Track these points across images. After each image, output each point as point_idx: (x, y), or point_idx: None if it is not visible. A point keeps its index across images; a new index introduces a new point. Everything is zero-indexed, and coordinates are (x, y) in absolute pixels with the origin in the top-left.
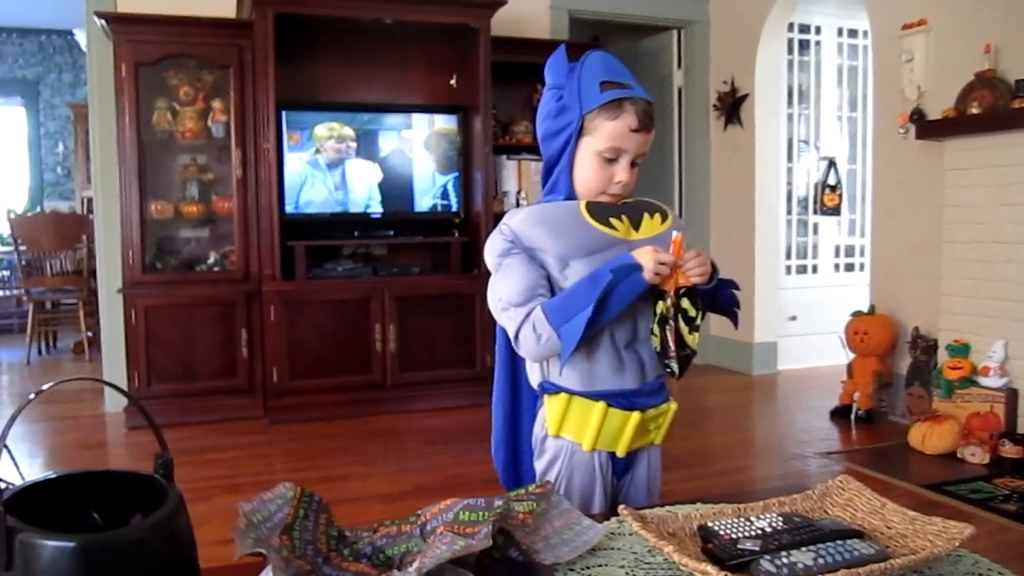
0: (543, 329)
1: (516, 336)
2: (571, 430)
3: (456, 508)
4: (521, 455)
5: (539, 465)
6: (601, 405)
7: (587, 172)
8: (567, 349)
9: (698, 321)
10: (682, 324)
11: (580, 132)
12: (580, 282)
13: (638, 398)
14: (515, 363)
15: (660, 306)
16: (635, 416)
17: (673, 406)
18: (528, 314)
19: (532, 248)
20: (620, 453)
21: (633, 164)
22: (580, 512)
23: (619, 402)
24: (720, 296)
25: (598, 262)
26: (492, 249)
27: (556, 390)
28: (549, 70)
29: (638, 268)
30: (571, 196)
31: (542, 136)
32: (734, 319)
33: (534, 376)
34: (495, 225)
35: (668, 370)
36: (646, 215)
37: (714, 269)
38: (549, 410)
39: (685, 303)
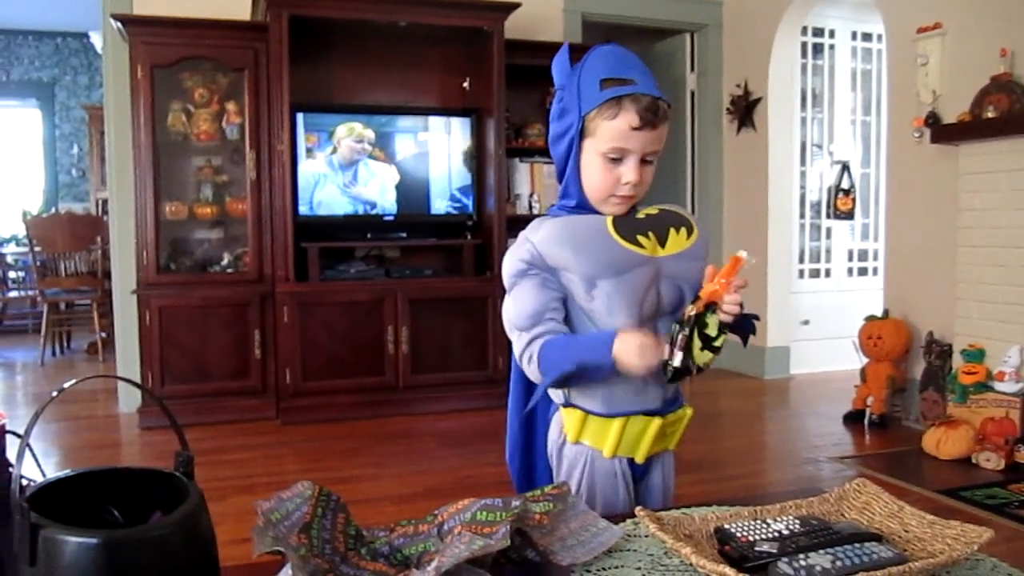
0: (535, 367)
1: (519, 358)
2: (590, 437)
3: (473, 508)
4: (536, 461)
5: (558, 472)
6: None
7: (593, 175)
8: (534, 398)
9: (716, 343)
10: (695, 336)
11: (583, 134)
12: (572, 342)
13: (658, 408)
14: None
15: (688, 308)
16: (656, 421)
17: (688, 411)
18: (532, 339)
19: (556, 267)
20: (639, 459)
21: (646, 162)
22: (596, 514)
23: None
24: (738, 325)
25: (626, 282)
26: (508, 268)
27: (575, 405)
28: (554, 70)
29: (600, 355)
30: (582, 200)
31: (550, 140)
32: (744, 341)
33: (556, 393)
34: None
35: (663, 371)
36: (672, 230)
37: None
38: (568, 418)
39: (711, 319)
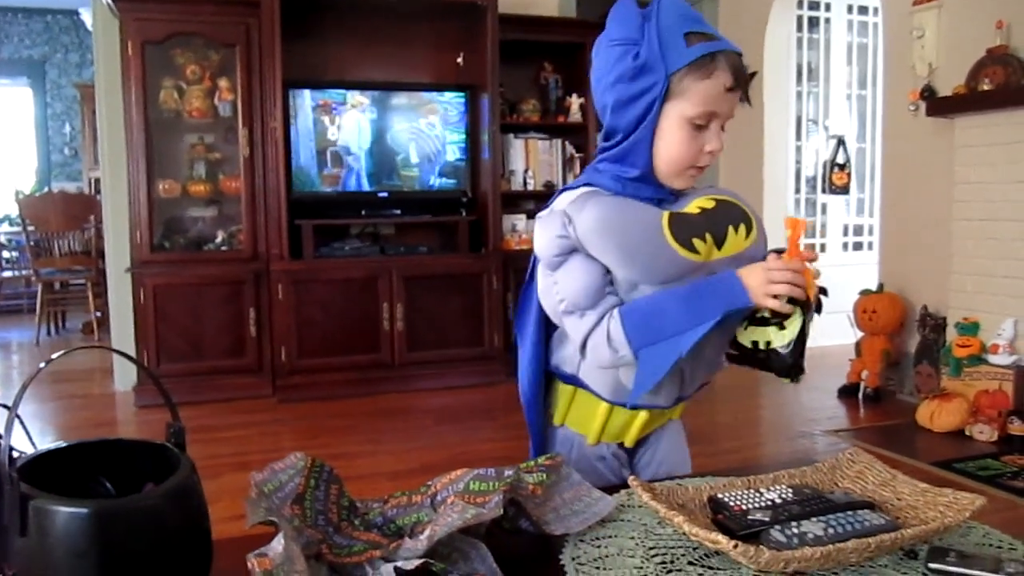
0: (619, 344)
1: (583, 344)
2: (575, 422)
3: (466, 478)
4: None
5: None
6: (604, 404)
7: (674, 143)
8: (643, 384)
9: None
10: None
11: (665, 96)
12: (670, 300)
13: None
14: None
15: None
16: (643, 414)
17: None
18: (600, 319)
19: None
20: (628, 444)
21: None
22: (590, 485)
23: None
24: None
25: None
26: (547, 246)
27: (569, 380)
28: (615, 22)
29: (745, 300)
30: (648, 172)
31: (613, 103)
32: None
33: (561, 357)
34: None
35: (784, 374)
36: (731, 229)
37: None
38: (557, 396)
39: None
